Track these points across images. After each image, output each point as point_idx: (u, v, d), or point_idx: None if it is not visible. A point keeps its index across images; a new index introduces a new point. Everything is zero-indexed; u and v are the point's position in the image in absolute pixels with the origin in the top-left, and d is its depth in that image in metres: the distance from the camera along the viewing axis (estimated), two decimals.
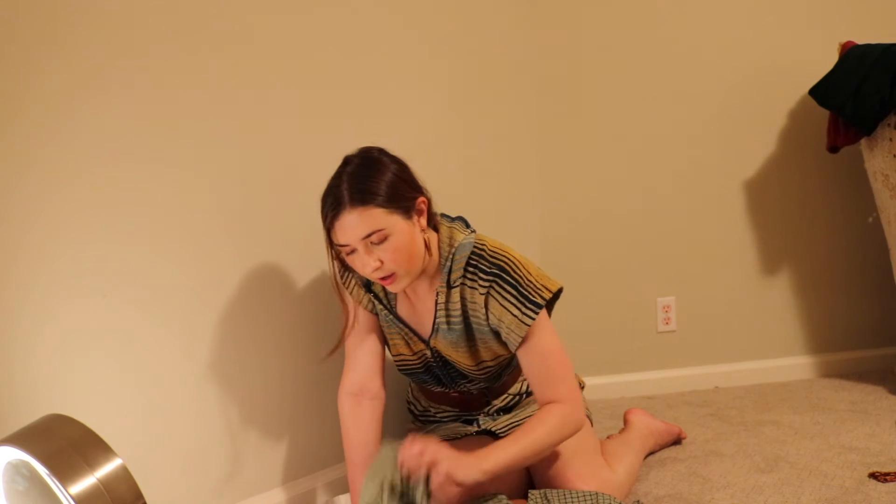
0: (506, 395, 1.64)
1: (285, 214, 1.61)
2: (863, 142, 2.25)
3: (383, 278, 1.39)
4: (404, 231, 1.36)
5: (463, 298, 1.46)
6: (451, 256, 1.45)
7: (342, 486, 1.70)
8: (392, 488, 1.26)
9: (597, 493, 1.43)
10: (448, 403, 1.69)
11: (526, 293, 1.40)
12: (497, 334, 1.47)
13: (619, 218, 2.47)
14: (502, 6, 2.28)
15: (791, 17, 2.46)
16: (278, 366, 1.62)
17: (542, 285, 1.42)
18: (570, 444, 1.54)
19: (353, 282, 1.54)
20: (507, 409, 1.66)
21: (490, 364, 1.53)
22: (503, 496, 1.42)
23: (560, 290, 1.46)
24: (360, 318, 1.55)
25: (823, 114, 2.37)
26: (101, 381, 1.33)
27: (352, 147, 1.44)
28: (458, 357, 1.52)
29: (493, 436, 1.62)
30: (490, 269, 1.42)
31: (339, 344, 1.56)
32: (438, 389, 1.66)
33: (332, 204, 1.34)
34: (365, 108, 1.81)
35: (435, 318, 1.49)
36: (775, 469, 1.72)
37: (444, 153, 2.06)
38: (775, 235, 2.52)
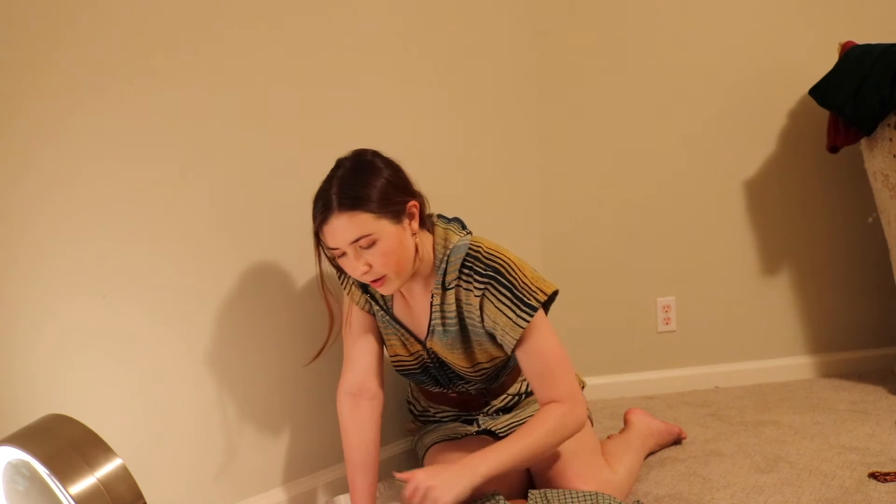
0: (505, 396, 1.65)
1: (285, 214, 1.61)
2: (863, 142, 2.25)
3: (374, 281, 1.39)
4: (392, 236, 1.36)
5: (458, 300, 1.46)
6: (445, 258, 1.45)
7: (342, 486, 1.70)
8: None
9: (597, 494, 1.43)
10: (447, 403, 1.69)
11: (521, 296, 1.40)
12: (492, 336, 1.47)
13: (619, 218, 2.47)
14: (502, 6, 2.28)
15: (791, 17, 2.46)
16: (279, 365, 1.62)
17: (538, 287, 1.42)
18: (570, 445, 1.54)
19: (350, 282, 1.55)
20: (506, 410, 1.66)
21: (486, 366, 1.53)
22: (501, 496, 1.42)
23: (556, 293, 1.46)
24: (358, 318, 1.55)
25: (823, 114, 2.37)
26: (101, 381, 1.33)
27: (351, 146, 1.44)
28: (454, 359, 1.52)
29: (494, 435, 1.62)
30: (485, 272, 1.42)
31: (323, 349, 1.55)
32: (437, 390, 1.66)
33: (322, 208, 1.35)
34: (364, 108, 1.81)
35: (430, 319, 1.49)
36: (775, 469, 1.72)
37: (445, 153, 2.06)
38: (775, 235, 2.52)
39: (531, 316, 1.40)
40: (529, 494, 1.45)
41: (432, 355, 1.55)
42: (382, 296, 1.54)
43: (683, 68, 2.44)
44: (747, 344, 2.53)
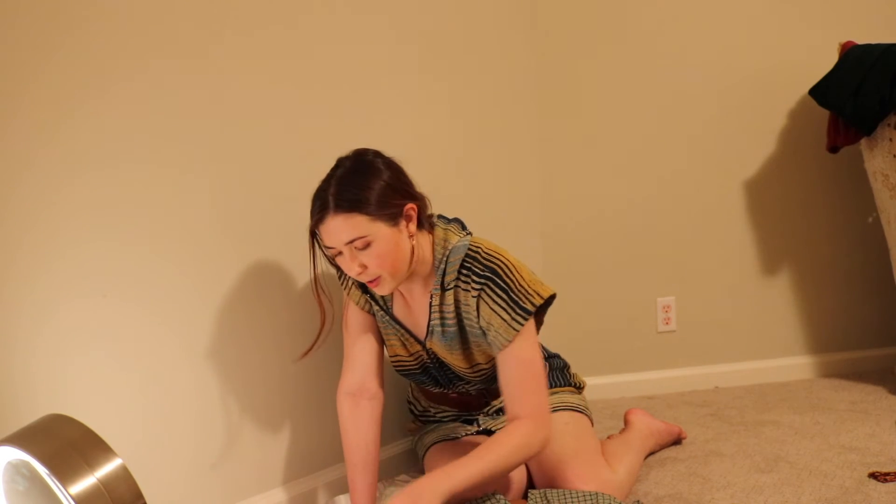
0: None
1: (285, 213, 1.61)
2: (863, 142, 2.25)
3: (369, 282, 1.39)
4: (387, 238, 1.36)
5: (457, 301, 1.46)
6: (445, 259, 1.45)
7: (342, 486, 1.70)
8: None
9: (597, 494, 1.43)
10: (447, 403, 1.69)
11: (516, 298, 1.40)
12: (486, 337, 1.47)
13: (619, 218, 2.47)
14: (502, 6, 2.28)
15: (791, 17, 2.46)
16: (278, 365, 1.62)
17: (534, 291, 1.41)
18: (571, 444, 1.54)
19: (349, 282, 1.55)
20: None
21: (485, 367, 1.53)
22: (501, 496, 1.42)
23: (553, 297, 1.45)
24: (358, 318, 1.55)
25: (823, 114, 2.37)
26: (101, 381, 1.33)
27: (351, 146, 1.44)
28: (453, 359, 1.52)
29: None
30: (483, 272, 1.42)
31: (313, 346, 1.55)
32: (437, 390, 1.66)
33: (319, 207, 1.35)
34: (364, 108, 1.81)
35: (429, 320, 1.49)
36: (775, 469, 1.72)
37: (445, 153, 2.06)
38: (775, 235, 2.53)
39: (525, 319, 1.39)
40: (529, 494, 1.45)
41: (432, 355, 1.55)
42: (382, 296, 1.54)
43: (684, 68, 2.44)
44: (747, 344, 2.53)
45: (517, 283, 1.40)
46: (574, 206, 2.46)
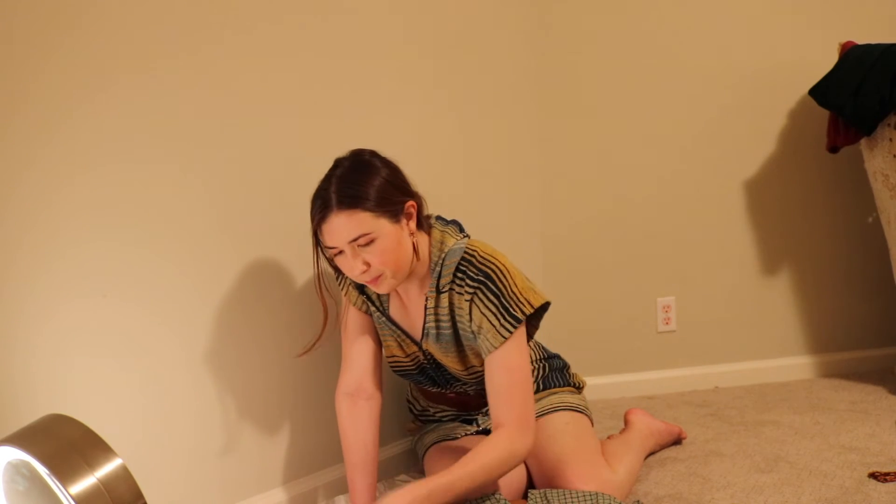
0: None
1: (284, 213, 1.61)
2: (863, 142, 2.25)
3: (370, 280, 1.39)
4: (391, 235, 1.36)
5: (451, 304, 1.46)
6: (441, 261, 1.45)
7: (342, 486, 1.70)
8: None
9: (597, 494, 1.43)
10: (445, 403, 1.69)
11: (507, 304, 1.39)
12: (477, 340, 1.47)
13: (620, 218, 2.47)
14: (503, 6, 2.28)
15: (791, 17, 2.46)
16: (278, 365, 1.62)
17: (526, 299, 1.40)
18: (571, 445, 1.54)
19: (347, 283, 1.55)
20: None
21: (479, 369, 1.53)
22: (501, 496, 1.42)
23: (546, 305, 1.45)
24: (355, 318, 1.56)
25: (823, 114, 2.37)
26: (101, 381, 1.33)
27: (350, 146, 1.44)
28: (448, 361, 1.52)
29: None
30: (477, 276, 1.42)
31: (315, 343, 1.54)
32: (434, 390, 1.66)
33: (320, 206, 1.35)
34: (363, 108, 1.81)
35: (424, 322, 1.49)
36: (775, 469, 1.72)
37: (444, 153, 2.06)
38: (775, 235, 2.53)
39: (514, 327, 1.39)
40: (529, 494, 1.45)
41: (428, 356, 1.55)
42: (379, 297, 1.54)
43: (684, 68, 2.44)
44: (747, 344, 2.53)
45: (509, 290, 1.40)
46: (574, 206, 2.46)
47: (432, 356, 1.54)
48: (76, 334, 1.29)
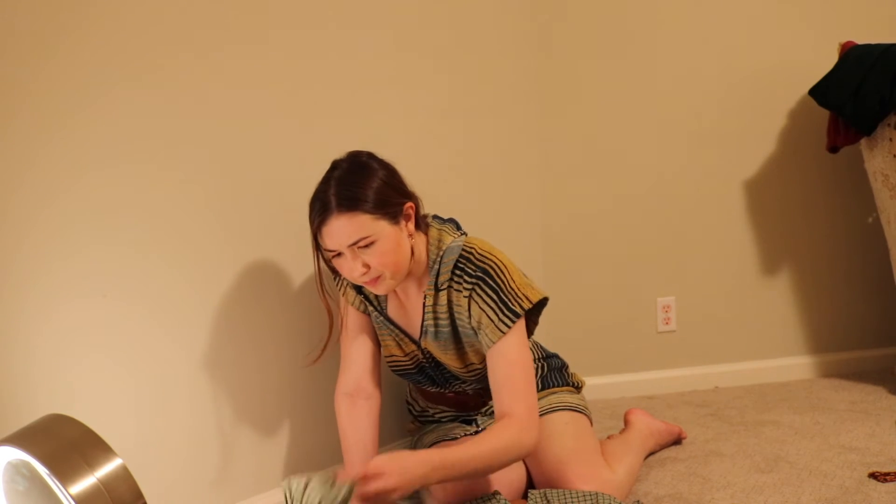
0: None
1: (283, 215, 1.61)
2: (863, 142, 2.25)
3: (369, 281, 1.39)
4: (390, 236, 1.36)
5: (450, 301, 1.46)
6: (439, 259, 1.45)
7: None
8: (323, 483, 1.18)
9: (597, 494, 1.43)
10: (444, 403, 1.69)
11: (506, 299, 1.39)
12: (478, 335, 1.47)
13: (619, 218, 2.47)
14: (503, 7, 2.28)
15: (791, 17, 2.46)
16: (277, 365, 1.63)
17: (524, 294, 1.41)
18: (570, 445, 1.54)
19: (345, 284, 1.55)
20: None
21: (478, 366, 1.53)
22: (501, 496, 1.42)
23: (544, 301, 1.45)
24: (354, 319, 1.56)
25: (823, 114, 2.37)
26: (101, 381, 1.33)
27: (349, 147, 1.44)
28: (447, 359, 1.52)
29: None
30: (475, 272, 1.42)
31: (324, 350, 1.55)
32: (434, 390, 1.66)
33: (320, 209, 1.34)
34: (362, 109, 1.81)
35: (423, 320, 1.49)
36: (775, 469, 1.72)
37: (444, 153, 2.06)
38: (775, 235, 2.52)
39: (513, 321, 1.39)
40: (529, 494, 1.45)
41: (427, 355, 1.55)
42: (377, 296, 1.54)
43: (684, 68, 2.44)
44: (747, 344, 2.53)
45: (507, 285, 1.40)
46: (574, 205, 2.46)
47: (431, 355, 1.54)
48: (76, 334, 1.29)
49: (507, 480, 1.50)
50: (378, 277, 1.39)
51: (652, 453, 1.87)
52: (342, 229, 1.33)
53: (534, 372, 1.45)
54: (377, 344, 1.59)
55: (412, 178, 1.46)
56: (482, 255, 1.44)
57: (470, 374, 1.55)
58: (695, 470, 1.75)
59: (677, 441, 1.95)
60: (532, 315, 1.49)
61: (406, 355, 1.57)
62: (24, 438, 0.99)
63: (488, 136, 2.23)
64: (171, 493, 1.43)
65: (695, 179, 2.48)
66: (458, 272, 1.44)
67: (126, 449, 1.16)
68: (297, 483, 1.19)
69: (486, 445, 1.31)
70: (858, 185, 2.47)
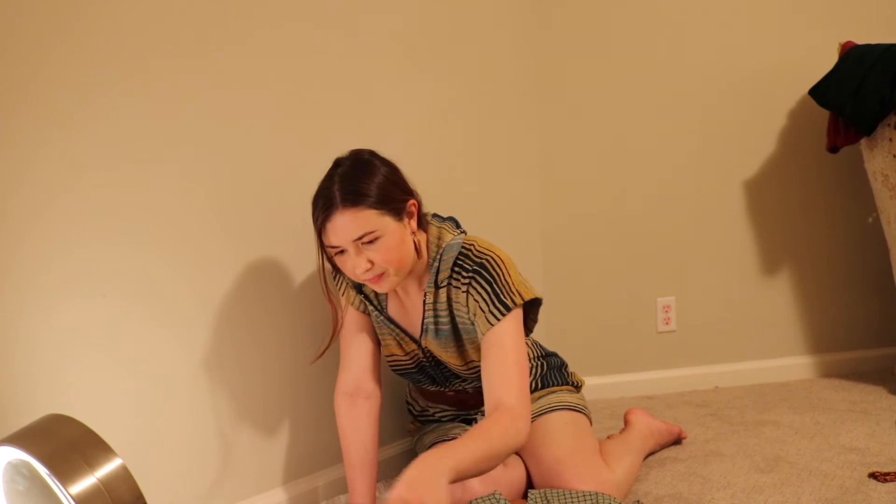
0: None
1: (284, 214, 1.61)
2: (863, 142, 2.25)
3: (373, 278, 1.39)
4: (395, 233, 1.36)
5: (449, 298, 1.47)
6: (438, 257, 1.46)
7: (342, 487, 1.70)
8: None
9: (597, 494, 1.43)
10: (444, 402, 1.69)
11: (499, 292, 1.40)
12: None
13: (620, 218, 2.47)
14: (502, 6, 2.28)
15: (791, 17, 2.46)
16: (278, 365, 1.63)
17: (517, 290, 1.41)
18: (570, 445, 1.54)
19: (345, 283, 1.55)
20: None
21: (478, 364, 1.53)
22: (501, 496, 1.42)
23: (538, 301, 1.46)
24: (354, 318, 1.56)
25: (823, 114, 2.37)
26: (101, 381, 1.33)
27: (350, 146, 1.44)
28: (448, 357, 1.53)
29: None
30: (472, 267, 1.43)
31: (328, 348, 1.56)
32: (433, 388, 1.66)
33: (324, 205, 1.34)
34: (363, 108, 1.81)
35: (423, 318, 1.50)
36: (775, 469, 1.72)
37: (444, 152, 2.06)
38: (775, 235, 2.53)
39: (503, 314, 1.39)
40: (529, 494, 1.45)
41: (427, 354, 1.55)
42: (377, 296, 1.54)
43: (684, 68, 2.45)
44: (747, 344, 2.53)
45: (502, 278, 1.41)
46: (574, 206, 2.46)
47: (431, 353, 1.54)
48: (76, 334, 1.29)
49: (508, 480, 1.50)
50: (382, 274, 1.39)
51: (652, 453, 1.87)
52: (347, 224, 1.33)
53: (528, 364, 1.44)
54: (377, 343, 1.59)
55: (412, 177, 1.46)
56: (481, 251, 1.44)
57: (470, 371, 1.55)
58: (695, 470, 1.75)
59: (677, 441, 1.95)
60: (530, 313, 1.49)
61: (406, 354, 1.57)
62: (24, 438, 0.99)
63: (488, 135, 2.23)
64: (171, 493, 1.43)
65: (695, 179, 2.48)
66: (457, 269, 1.45)
67: (126, 449, 1.16)
68: None
69: (486, 433, 1.27)
70: (858, 185, 2.47)
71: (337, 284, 1.57)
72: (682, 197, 2.48)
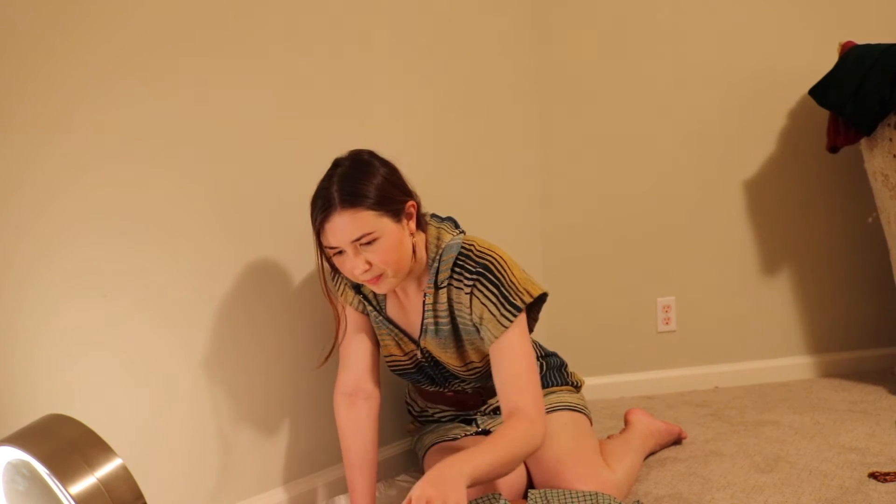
0: None
1: (284, 214, 1.61)
2: (863, 142, 2.25)
3: (371, 279, 1.39)
4: (393, 234, 1.36)
5: (450, 299, 1.46)
6: (438, 257, 1.45)
7: (342, 486, 1.70)
8: None
9: (597, 494, 1.43)
10: (444, 403, 1.69)
11: (507, 294, 1.40)
12: (480, 332, 1.47)
13: (620, 218, 2.47)
14: (502, 6, 2.28)
15: (791, 17, 2.46)
16: (279, 365, 1.63)
17: (524, 289, 1.41)
18: (570, 445, 1.54)
19: (343, 283, 1.55)
20: None
21: (478, 365, 1.53)
22: (501, 496, 1.42)
23: (544, 296, 1.45)
24: (352, 318, 1.56)
25: (823, 114, 2.37)
26: (101, 381, 1.33)
27: (350, 146, 1.44)
28: (447, 358, 1.52)
29: None
30: (475, 269, 1.42)
31: (333, 349, 1.56)
32: (432, 389, 1.66)
33: (323, 206, 1.34)
34: (364, 108, 1.81)
35: (423, 318, 1.49)
36: (775, 469, 1.72)
37: (445, 152, 2.06)
38: (775, 235, 2.53)
39: (514, 315, 1.39)
40: (529, 494, 1.45)
41: (426, 354, 1.55)
42: (375, 296, 1.54)
43: (684, 68, 2.44)
44: (747, 344, 2.53)
45: (508, 280, 1.41)
46: (574, 205, 2.46)
47: (430, 354, 1.54)
48: (76, 334, 1.29)
49: (508, 481, 1.50)
50: (380, 276, 1.38)
51: (652, 453, 1.87)
52: (345, 225, 1.33)
53: (537, 365, 1.45)
54: (376, 344, 1.59)
55: (411, 177, 1.46)
56: (481, 252, 1.44)
57: (470, 372, 1.55)
58: (695, 470, 1.75)
59: (677, 441, 1.95)
60: (532, 311, 1.49)
61: (405, 355, 1.57)
62: (24, 438, 0.99)
63: (488, 135, 2.23)
64: (172, 493, 1.43)
65: (695, 179, 2.48)
66: (457, 269, 1.44)
67: (126, 449, 1.16)
68: None
69: (505, 440, 1.30)
70: (858, 185, 2.47)
71: (335, 285, 1.57)
72: (682, 197, 2.48)
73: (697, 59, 2.45)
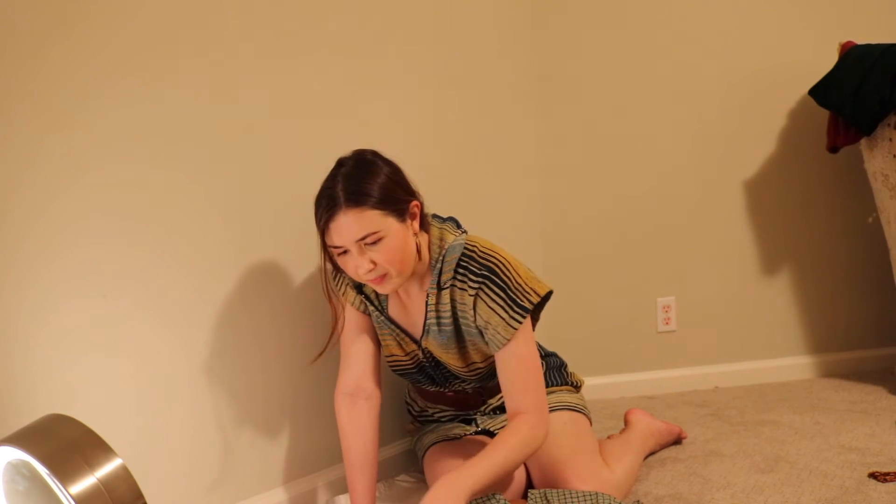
0: (501, 395, 1.64)
1: (285, 214, 1.61)
2: (863, 142, 2.25)
3: (375, 279, 1.39)
4: (398, 233, 1.36)
5: (453, 300, 1.46)
6: (441, 258, 1.45)
7: (342, 486, 1.70)
8: None
9: (597, 494, 1.43)
10: (444, 403, 1.69)
11: (514, 296, 1.40)
12: (483, 335, 1.47)
13: (620, 218, 2.47)
14: (502, 5, 2.28)
15: (791, 16, 2.47)
16: (279, 365, 1.63)
17: (531, 289, 1.41)
18: (569, 445, 1.54)
19: (344, 283, 1.54)
20: (504, 408, 1.65)
21: (480, 365, 1.53)
22: (501, 496, 1.42)
23: (549, 294, 1.46)
24: (354, 318, 1.55)
25: (823, 114, 2.37)
26: (101, 381, 1.33)
27: (351, 146, 1.44)
28: (449, 358, 1.52)
29: (492, 435, 1.62)
30: (480, 271, 1.42)
31: (326, 349, 1.56)
32: (433, 389, 1.66)
33: (327, 205, 1.34)
34: (364, 108, 1.81)
35: (425, 319, 1.49)
36: (775, 469, 1.72)
37: (445, 152, 2.06)
38: (775, 235, 2.53)
39: (523, 317, 1.40)
40: (529, 494, 1.45)
41: (427, 355, 1.55)
42: (377, 296, 1.54)
43: (684, 68, 2.45)
44: (747, 344, 2.53)
45: (514, 281, 1.41)
46: (574, 205, 2.46)
47: (432, 354, 1.54)
48: (76, 334, 1.29)
49: (507, 481, 1.50)
50: (384, 275, 1.38)
51: (652, 453, 1.87)
52: (350, 224, 1.32)
53: (541, 366, 1.46)
54: (377, 344, 1.59)
55: (412, 177, 1.46)
56: (485, 253, 1.44)
57: (471, 373, 1.55)
58: (695, 470, 1.75)
59: (677, 441, 1.95)
60: (536, 310, 1.49)
61: (406, 355, 1.57)
62: (24, 438, 0.99)
63: (488, 135, 2.23)
64: (172, 493, 1.43)
65: (695, 179, 2.48)
66: (461, 270, 1.44)
67: (126, 449, 1.16)
68: None
69: (504, 448, 1.36)
70: (858, 185, 2.47)
71: (337, 284, 1.57)
72: (682, 197, 2.48)
73: (697, 59, 2.45)
